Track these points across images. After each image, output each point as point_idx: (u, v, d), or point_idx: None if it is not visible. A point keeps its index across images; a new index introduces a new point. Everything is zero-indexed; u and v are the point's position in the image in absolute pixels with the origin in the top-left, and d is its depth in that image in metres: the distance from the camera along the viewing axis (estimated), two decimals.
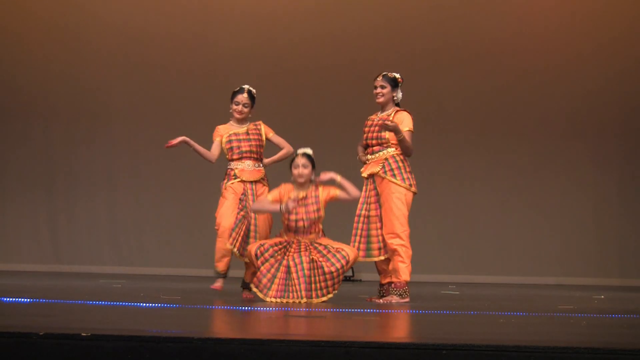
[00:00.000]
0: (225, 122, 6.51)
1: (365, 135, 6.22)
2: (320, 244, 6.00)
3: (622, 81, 10.73)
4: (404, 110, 6.18)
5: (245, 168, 6.32)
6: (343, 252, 5.92)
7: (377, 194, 6.13)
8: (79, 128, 10.94)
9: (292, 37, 10.76)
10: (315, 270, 5.87)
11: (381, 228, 6.08)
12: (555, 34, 10.75)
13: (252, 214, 6.22)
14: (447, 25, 10.70)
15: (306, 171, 6.10)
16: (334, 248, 5.95)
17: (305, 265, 5.87)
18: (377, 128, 6.12)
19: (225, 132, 6.38)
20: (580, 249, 10.74)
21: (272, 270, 5.89)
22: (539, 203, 10.80)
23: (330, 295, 5.91)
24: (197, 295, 6.37)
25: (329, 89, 10.79)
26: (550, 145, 10.83)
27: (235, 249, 6.14)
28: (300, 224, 6.03)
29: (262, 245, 5.96)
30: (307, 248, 5.97)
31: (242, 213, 6.18)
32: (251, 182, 6.32)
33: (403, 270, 6.01)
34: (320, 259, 5.90)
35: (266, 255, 5.92)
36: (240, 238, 6.13)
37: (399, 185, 6.03)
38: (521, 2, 10.78)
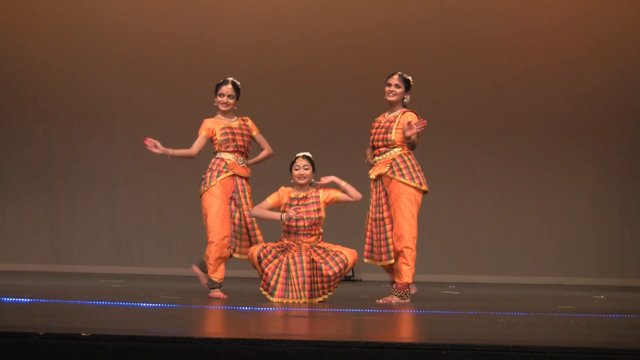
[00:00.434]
0: None
1: (372, 137, 6.20)
2: (320, 247, 6.00)
3: (622, 81, 10.73)
4: (412, 111, 6.14)
5: (237, 162, 6.22)
6: (342, 256, 5.92)
7: (387, 195, 6.10)
8: (79, 128, 10.94)
9: (293, 38, 10.75)
10: (315, 271, 5.87)
11: (392, 229, 6.06)
12: (555, 34, 10.74)
13: (245, 212, 6.16)
14: (446, 26, 10.69)
15: (307, 172, 6.09)
16: (332, 251, 5.95)
17: (305, 265, 5.87)
18: (383, 130, 6.10)
19: (216, 126, 6.22)
20: (580, 249, 10.74)
21: (277, 270, 5.89)
22: (538, 203, 10.80)
23: (325, 297, 5.92)
24: (197, 295, 6.36)
25: (329, 89, 10.78)
26: (550, 145, 10.83)
27: (234, 252, 6.10)
28: (301, 223, 6.02)
29: (264, 247, 5.95)
30: (308, 250, 5.97)
31: (237, 215, 6.13)
32: (241, 177, 6.21)
33: (406, 272, 6.01)
34: (320, 260, 5.90)
35: (269, 257, 5.92)
36: (233, 239, 6.10)
37: (407, 184, 5.99)
38: (520, 3, 10.77)
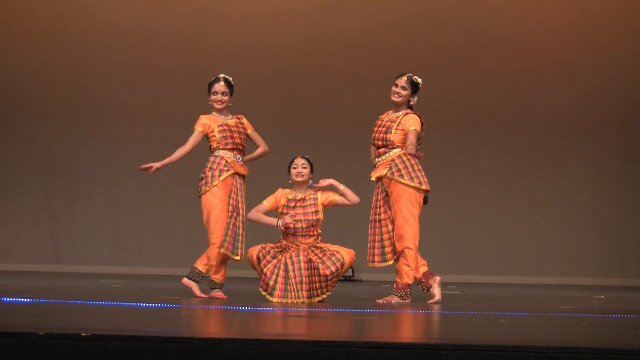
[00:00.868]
0: None
1: (373, 134, 6.18)
2: (318, 248, 6.00)
3: (622, 81, 10.73)
4: (415, 113, 6.10)
5: (237, 160, 6.17)
6: (338, 255, 5.91)
7: (386, 197, 6.08)
8: (79, 128, 10.93)
9: (292, 39, 10.74)
10: (312, 271, 5.87)
11: (393, 230, 6.06)
12: (556, 34, 10.74)
13: (241, 210, 6.14)
14: (446, 26, 10.68)
15: (305, 171, 6.09)
16: (329, 251, 5.95)
17: (303, 265, 5.87)
18: (384, 129, 6.08)
19: (213, 123, 6.16)
20: (580, 249, 10.74)
21: (276, 270, 5.89)
22: (539, 203, 10.80)
23: (324, 296, 5.92)
24: (197, 295, 6.35)
25: (328, 90, 10.78)
26: (550, 145, 10.83)
27: (227, 252, 6.06)
28: (299, 225, 6.02)
29: (263, 248, 5.95)
30: (305, 250, 5.97)
31: (234, 215, 6.11)
32: (240, 175, 6.16)
33: (407, 273, 6.00)
34: (317, 260, 5.90)
35: (268, 257, 5.92)
36: (231, 239, 6.07)
37: (407, 185, 5.98)
38: (521, 3, 10.77)
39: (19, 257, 10.87)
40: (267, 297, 5.88)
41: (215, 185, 6.06)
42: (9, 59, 10.95)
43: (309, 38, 10.76)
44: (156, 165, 6.08)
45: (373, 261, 6.10)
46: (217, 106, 6.22)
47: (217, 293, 6.12)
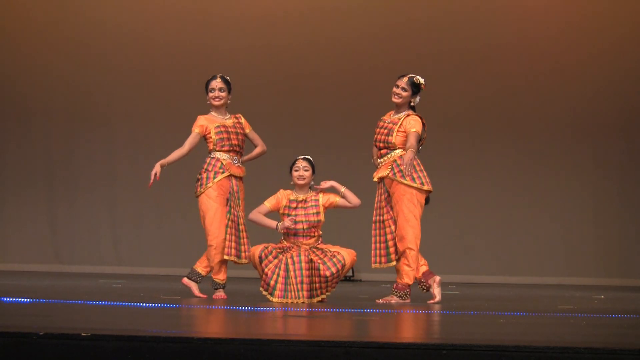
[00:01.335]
0: None
1: (375, 136, 6.17)
2: (319, 248, 6.00)
3: (623, 82, 10.73)
4: (417, 114, 6.09)
5: (233, 162, 6.16)
6: (339, 257, 5.91)
7: (388, 197, 6.07)
8: (79, 128, 10.94)
9: (293, 41, 10.74)
10: (313, 271, 5.87)
11: (395, 231, 6.05)
12: (558, 37, 10.74)
13: (240, 213, 6.14)
14: (449, 30, 10.68)
15: (307, 173, 6.08)
16: (330, 252, 5.95)
17: (304, 265, 5.87)
18: (385, 131, 6.07)
19: (210, 124, 6.14)
20: (581, 249, 10.74)
21: (277, 270, 5.89)
22: (539, 203, 10.80)
23: (324, 297, 5.92)
24: (197, 296, 6.35)
25: (329, 93, 10.77)
26: (551, 145, 10.83)
27: (232, 258, 6.06)
28: (300, 226, 6.02)
29: (266, 247, 5.95)
30: (306, 250, 5.97)
31: (231, 217, 6.08)
32: (237, 177, 6.15)
33: (407, 273, 6.00)
34: (318, 261, 5.90)
35: (270, 257, 5.92)
36: (233, 244, 6.08)
37: (409, 185, 5.96)
38: (523, 7, 10.77)
39: (19, 257, 10.87)
40: (268, 296, 5.89)
41: (210, 187, 6.07)
42: (9, 60, 10.95)
43: (309, 41, 10.75)
44: (156, 170, 6.12)
45: (380, 262, 6.09)
46: (215, 103, 6.19)
47: (220, 293, 6.12)
